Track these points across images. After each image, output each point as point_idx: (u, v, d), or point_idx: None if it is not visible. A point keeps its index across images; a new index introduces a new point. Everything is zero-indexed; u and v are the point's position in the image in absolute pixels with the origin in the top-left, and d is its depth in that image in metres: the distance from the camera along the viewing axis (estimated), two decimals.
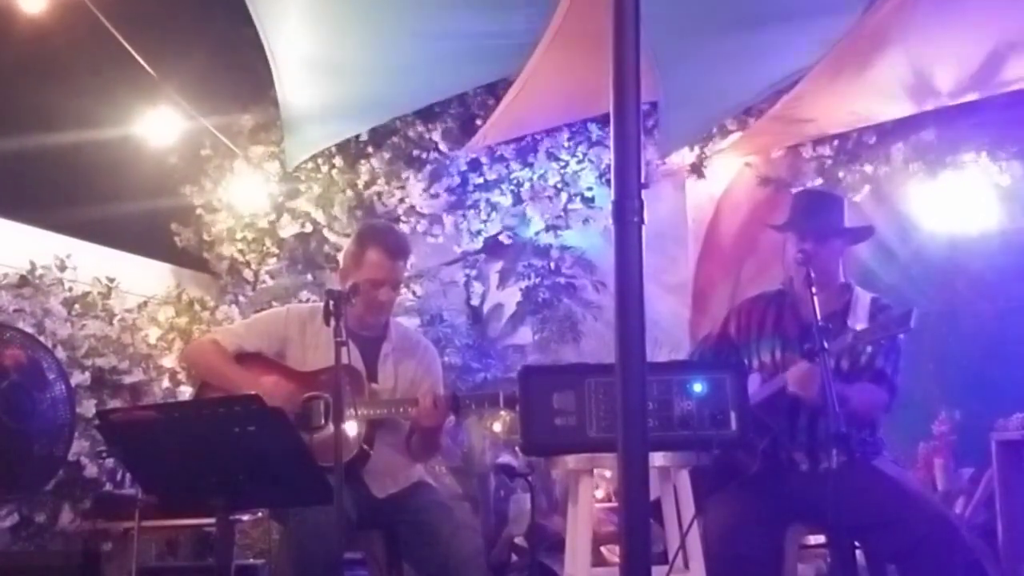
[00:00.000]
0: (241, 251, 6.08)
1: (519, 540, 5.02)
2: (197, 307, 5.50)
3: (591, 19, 3.48)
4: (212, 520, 2.82)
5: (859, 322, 3.31)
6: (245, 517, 4.50)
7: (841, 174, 5.38)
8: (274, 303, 5.45)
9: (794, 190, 5.08)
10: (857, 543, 3.30)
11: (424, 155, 5.79)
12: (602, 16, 1.87)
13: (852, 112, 5.06)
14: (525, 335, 5.85)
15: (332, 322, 2.93)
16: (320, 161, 5.83)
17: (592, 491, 3.05)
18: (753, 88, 4.94)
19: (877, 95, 4.84)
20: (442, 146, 5.74)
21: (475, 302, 5.98)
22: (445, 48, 4.35)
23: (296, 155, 5.56)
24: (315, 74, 4.53)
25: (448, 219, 5.84)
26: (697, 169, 5.65)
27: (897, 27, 4.12)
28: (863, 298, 3.44)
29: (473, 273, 5.99)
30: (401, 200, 5.86)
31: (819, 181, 5.38)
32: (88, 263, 5.00)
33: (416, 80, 4.79)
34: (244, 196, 5.96)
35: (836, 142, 5.37)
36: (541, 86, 4.61)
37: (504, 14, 4.08)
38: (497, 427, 5.38)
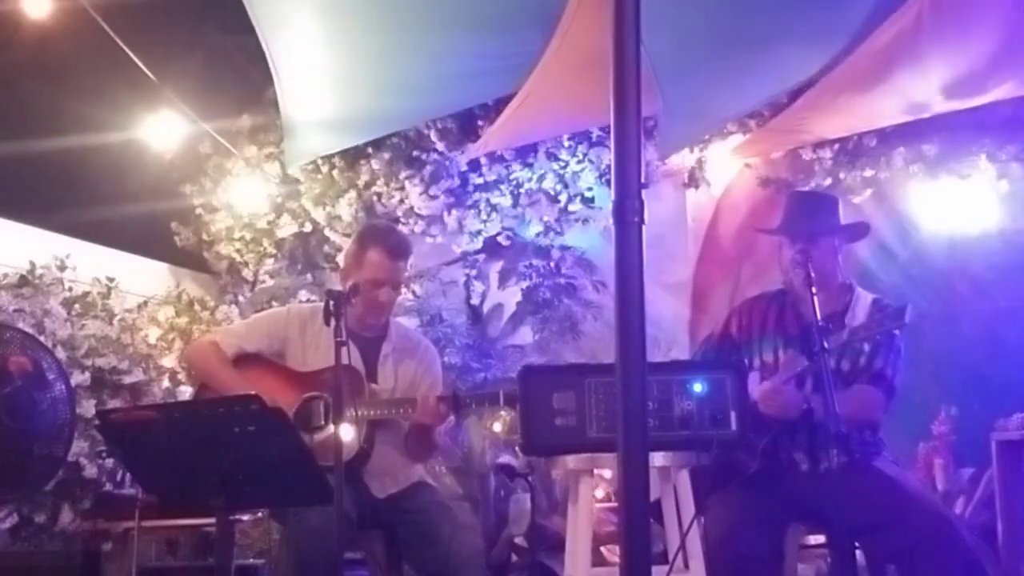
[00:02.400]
0: (240, 251, 6.09)
1: (519, 540, 5.02)
2: (197, 307, 5.51)
3: (593, 34, 3.48)
4: (212, 520, 2.82)
5: (857, 322, 3.31)
6: (245, 517, 4.50)
7: (842, 175, 5.38)
8: (273, 303, 5.47)
9: (788, 193, 5.09)
10: (857, 543, 3.30)
11: (424, 156, 5.79)
12: (603, 31, 1.87)
13: (854, 120, 5.08)
14: (525, 335, 5.85)
15: (332, 322, 2.93)
16: (320, 161, 5.84)
17: (592, 491, 3.06)
18: (750, 100, 4.98)
19: (879, 110, 4.87)
20: (441, 147, 5.74)
21: (475, 302, 5.98)
22: (448, 66, 4.37)
23: (295, 160, 5.57)
24: (316, 87, 4.54)
25: (448, 219, 5.85)
26: (694, 177, 5.65)
27: (900, 48, 4.14)
28: (864, 299, 3.44)
29: (473, 273, 5.99)
30: (401, 201, 5.86)
31: (828, 182, 5.37)
32: (88, 263, 5.00)
33: (418, 96, 4.81)
34: (243, 196, 5.96)
35: (837, 144, 5.36)
36: (543, 98, 4.61)
37: (506, 34, 4.09)
38: (497, 427, 5.37)
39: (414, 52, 4.21)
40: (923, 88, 4.55)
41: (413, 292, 5.80)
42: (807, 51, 4.35)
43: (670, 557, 2.88)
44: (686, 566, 2.91)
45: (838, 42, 4.24)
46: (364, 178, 5.87)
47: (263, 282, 6.05)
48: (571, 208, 5.76)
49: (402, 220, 5.82)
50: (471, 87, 4.78)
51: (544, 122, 5.16)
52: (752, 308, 3.60)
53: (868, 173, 5.34)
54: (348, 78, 4.47)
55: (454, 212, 5.83)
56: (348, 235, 5.64)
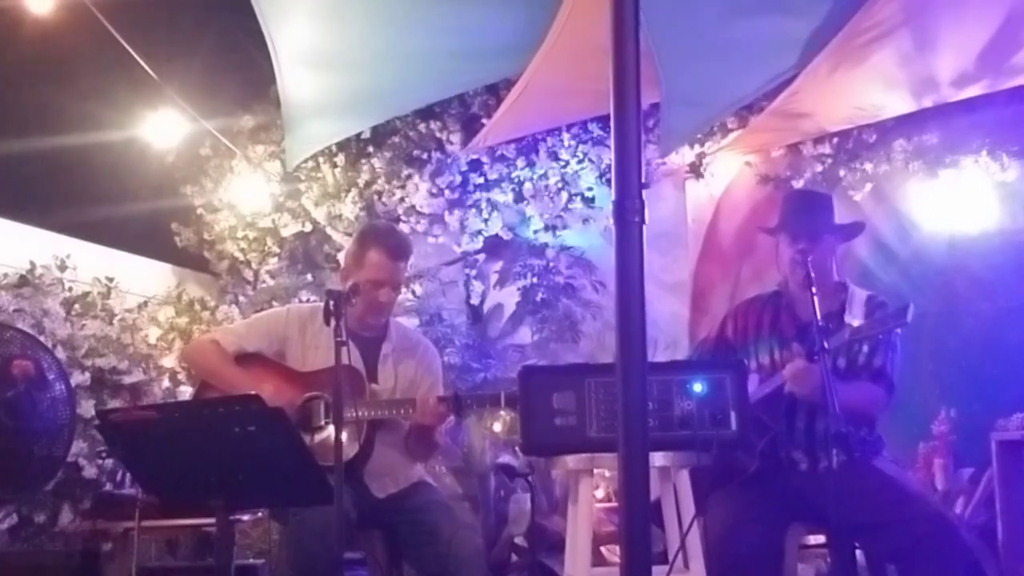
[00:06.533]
0: (242, 250, 6.09)
1: (519, 540, 5.02)
2: (197, 307, 5.51)
3: (593, 20, 3.47)
4: (212, 520, 2.82)
5: (856, 320, 3.31)
6: (245, 517, 4.50)
7: (841, 173, 5.37)
8: (274, 303, 5.46)
9: (785, 192, 5.08)
10: (857, 543, 3.30)
11: (425, 155, 5.80)
12: (604, 18, 1.87)
13: (852, 107, 5.04)
14: (525, 335, 5.85)
15: (332, 322, 2.93)
16: (321, 160, 5.84)
17: (592, 491, 3.06)
18: (755, 82, 4.91)
19: (876, 88, 4.81)
20: (443, 145, 5.74)
21: (475, 302, 5.97)
22: (449, 46, 4.34)
23: (297, 153, 5.54)
24: (317, 69, 4.52)
25: (448, 218, 5.85)
26: (696, 170, 5.65)
27: (896, 20, 4.11)
28: (859, 296, 3.45)
29: (473, 273, 5.99)
30: (402, 200, 5.86)
31: (826, 180, 5.36)
32: (88, 263, 5.00)
33: (419, 78, 4.78)
34: (245, 196, 5.96)
35: (836, 140, 5.36)
36: (542, 87, 4.60)
37: (508, 13, 4.08)
38: (497, 427, 5.37)
39: (414, 32, 4.19)
40: (921, 63, 4.50)
41: (413, 292, 5.80)
42: (808, 29, 4.29)
43: (670, 557, 2.88)
44: (686, 566, 2.91)
45: (839, 20, 4.19)
46: (365, 177, 5.87)
47: (264, 282, 6.05)
48: (571, 207, 5.76)
49: (403, 219, 5.83)
50: (472, 68, 4.75)
51: (544, 111, 5.13)
52: (747, 310, 3.61)
53: (868, 167, 5.33)
54: (349, 60, 4.43)
55: (455, 211, 5.83)
56: (350, 234, 5.64)
